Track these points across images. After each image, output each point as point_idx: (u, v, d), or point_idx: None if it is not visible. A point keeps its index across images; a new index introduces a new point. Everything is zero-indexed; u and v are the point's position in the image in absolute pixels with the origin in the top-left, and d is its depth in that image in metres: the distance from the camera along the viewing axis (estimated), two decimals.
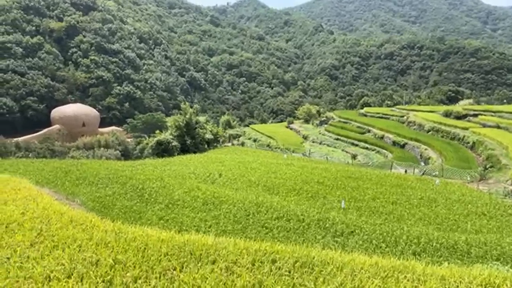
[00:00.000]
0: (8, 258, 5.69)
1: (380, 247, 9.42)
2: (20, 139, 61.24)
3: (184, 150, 31.79)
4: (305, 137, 64.22)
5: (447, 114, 56.39)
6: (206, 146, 34.76)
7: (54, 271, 5.29)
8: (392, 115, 66.04)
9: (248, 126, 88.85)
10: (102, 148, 62.92)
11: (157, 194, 12.91)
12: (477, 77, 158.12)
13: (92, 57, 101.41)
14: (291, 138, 63.31)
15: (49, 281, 5.09)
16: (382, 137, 53.83)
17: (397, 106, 77.88)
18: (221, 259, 6.07)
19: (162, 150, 30.76)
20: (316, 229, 10.36)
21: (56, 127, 70.68)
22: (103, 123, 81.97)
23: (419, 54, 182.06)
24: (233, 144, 42.09)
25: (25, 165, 15.91)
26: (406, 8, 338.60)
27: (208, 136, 35.41)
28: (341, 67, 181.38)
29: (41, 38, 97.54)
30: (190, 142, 32.64)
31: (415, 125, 56.57)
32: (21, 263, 5.52)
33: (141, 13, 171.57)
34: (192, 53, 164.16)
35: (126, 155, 62.43)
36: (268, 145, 51.90)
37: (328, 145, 55.38)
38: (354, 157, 45.45)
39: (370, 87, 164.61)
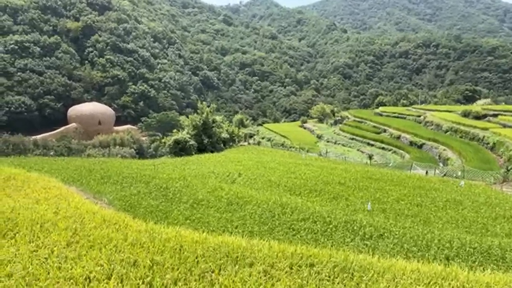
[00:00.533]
0: (46, 258, 5.70)
1: (412, 251, 9.20)
2: (38, 137, 62.38)
3: (201, 149, 31.88)
4: (319, 137, 63.82)
5: (465, 114, 55.29)
6: (222, 145, 34.83)
7: (94, 271, 5.27)
8: (409, 115, 65.10)
9: (261, 125, 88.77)
10: (117, 146, 63.73)
11: (181, 193, 12.90)
12: (494, 76, 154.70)
13: (108, 57, 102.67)
14: (305, 138, 63.00)
15: (90, 282, 5.07)
16: (398, 137, 53.10)
17: (414, 106, 76.77)
18: (258, 262, 5.98)
19: (180, 149, 30.90)
20: (344, 231, 10.18)
21: (73, 125, 71.80)
22: (118, 121, 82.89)
23: (435, 52, 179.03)
24: (249, 144, 42.05)
25: (49, 164, 16.10)
26: (421, 6, 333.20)
27: (224, 135, 35.47)
28: (354, 66, 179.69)
29: (58, 37, 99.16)
30: (207, 141, 32.72)
31: (432, 125, 55.62)
32: (60, 263, 5.50)
33: (155, 13, 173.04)
34: (205, 52, 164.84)
35: (140, 153, 63.12)
36: (282, 145, 51.73)
37: (343, 145, 54.92)
38: (370, 157, 44.94)
39: (385, 86, 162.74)
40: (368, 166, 27.75)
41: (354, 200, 14.77)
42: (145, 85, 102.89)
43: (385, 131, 57.86)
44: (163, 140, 36.63)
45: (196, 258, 5.94)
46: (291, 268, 5.79)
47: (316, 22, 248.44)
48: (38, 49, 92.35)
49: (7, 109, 73.42)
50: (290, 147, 46.62)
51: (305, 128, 74.84)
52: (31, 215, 7.33)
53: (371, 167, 26.33)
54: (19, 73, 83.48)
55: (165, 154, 59.32)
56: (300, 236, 9.57)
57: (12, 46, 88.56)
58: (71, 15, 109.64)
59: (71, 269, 5.28)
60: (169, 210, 11.23)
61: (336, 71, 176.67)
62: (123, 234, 6.78)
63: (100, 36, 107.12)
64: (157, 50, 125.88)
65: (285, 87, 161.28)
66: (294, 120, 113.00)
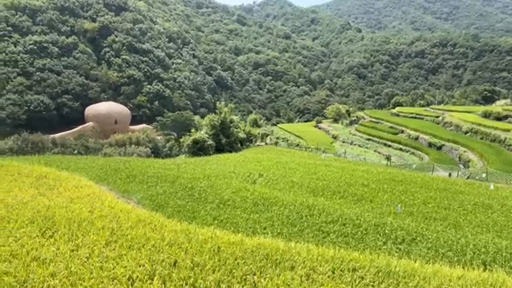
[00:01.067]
0: (87, 258, 5.70)
1: (448, 256, 8.95)
2: (56, 135, 63.54)
3: (219, 149, 31.92)
4: (335, 137, 63.26)
5: (486, 115, 54.03)
6: (239, 145, 34.81)
7: (136, 272, 5.25)
8: (426, 115, 63.98)
9: (275, 125, 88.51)
10: (133, 145, 64.44)
11: (206, 193, 12.88)
12: None
13: (124, 57, 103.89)
14: (320, 138, 62.51)
15: (133, 282, 5.04)
16: (416, 138, 52.21)
17: (432, 106, 75.46)
18: (299, 265, 5.87)
19: (198, 149, 31.00)
20: (375, 234, 9.98)
21: (90, 124, 72.87)
22: (134, 121, 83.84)
23: (452, 52, 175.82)
24: (266, 144, 41.93)
25: (75, 162, 16.29)
26: (437, 4, 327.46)
27: (242, 135, 35.46)
28: (369, 65, 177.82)
29: (76, 38, 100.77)
30: (225, 141, 32.75)
31: (451, 126, 54.51)
32: (101, 262, 5.49)
33: (169, 13, 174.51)
34: (219, 52, 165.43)
35: (156, 152, 63.69)
36: (297, 145, 51.41)
37: (359, 146, 54.29)
38: (387, 158, 44.28)
39: (400, 86, 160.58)
40: (389, 168, 27.32)
41: (379, 202, 14.51)
42: (160, 85, 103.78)
43: (402, 131, 56.96)
44: (181, 140, 36.78)
45: (236, 260, 5.88)
46: (333, 273, 5.67)
47: (330, 22, 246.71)
48: (56, 49, 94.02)
49: (26, 108, 74.95)
50: (306, 148, 46.29)
51: (320, 128, 74.27)
52: (67, 214, 7.38)
53: (393, 169, 25.90)
54: (38, 73, 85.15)
55: (180, 154, 59.81)
56: (331, 239, 9.40)
57: (31, 46, 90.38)
58: (88, 16, 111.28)
59: (113, 269, 5.27)
60: (196, 210, 11.21)
61: (351, 71, 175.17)
62: (160, 234, 6.77)
63: (116, 36, 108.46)
64: (172, 50, 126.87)
65: (298, 87, 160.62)
66: (308, 120, 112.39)
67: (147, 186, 13.02)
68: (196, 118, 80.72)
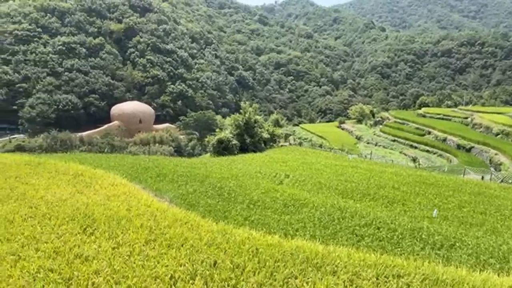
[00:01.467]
0: (129, 256, 5.73)
1: (490, 263, 8.55)
2: (84, 134, 65.42)
3: (243, 149, 31.97)
4: (358, 138, 62.26)
5: None
6: (263, 145, 34.77)
7: (177, 271, 5.24)
8: (454, 116, 62.06)
9: (297, 125, 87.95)
10: (157, 144, 65.57)
11: (235, 193, 12.85)
12: None
13: (148, 57, 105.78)
14: (344, 139, 61.65)
15: (175, 282, 5.03)
16: (444, 140, 50.68)
17: (460, 107, 73.11)
18: (341, 270, 5.71)
19: (223, 148, 31.17)
20: (412, 239, 9.66)
21: (115, 123, 74.60)
22: (158, 120, 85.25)
23: (480, 51, 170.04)
24: (290, 144, 41.72)
25: (106, 160, 16.62)
26: (465, 2, 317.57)
27: (265, 135, 35.42)
28: (393, 65, 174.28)
29: (103, 39, 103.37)
30: (249, 141, 32.79)
31: (481, 127, 52.64)
32: (142, 261, 5.51)
33: (192, 14, 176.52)
34: (241, 52, 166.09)
35: (178, 151, 64.60)
36: (320, 145, 50.88)
37: (384, 147, 53.19)
38: (414, 160, 43.20)
39: (425, 86, 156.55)
40: (418, 170, 26.59)
41: (412, 206, 14.07)
42: (183, 85, 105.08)
43: (429, 133, 55.41)
44: (206, 139, 37.08)
45: (276, 262, 5.80)
46: (377, 279, 5.49)
47: (353, 21, 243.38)
48: (84, 50, 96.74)
49: (55, 107, 77.46)
50: (330, 148, 45.72)
51: (343, 129, 73.21)
52: (105, 212, 7.48)
53: (423, 171, 25.18)
54: (66, 73, 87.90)
55: (202, 153, 60.35)
56: (366, 243, 9.15)
57: (60, 47, 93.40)
58: (115, 17, 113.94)
59: (154, 268, 5.28)
60: (227, 210, 11.19)
61: (374, 71, 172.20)
62: (198, 234, 6.76)
63: (141, 37, 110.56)
64: (194, 51, 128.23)
65: (320, 87, 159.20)
66: (330, 121, 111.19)
67: (177, 185, 13.10)
68: (218, 117, 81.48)
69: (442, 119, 62.93)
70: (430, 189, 16.88)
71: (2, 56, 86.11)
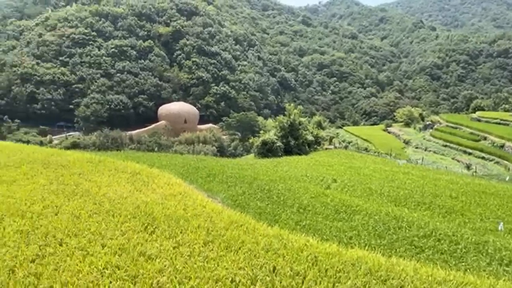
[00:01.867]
0: (189, 256, 5.76)
1: None
2: (133, 132, 68.43)
3: (287, 151, 31.77)
4: (406, 142, 59.61)
5: None
6: (307, 147, 34.34)
7: (238, 275, 5.17)
8: None
9: (340, 127, 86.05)
10: (201, 144, 67.00)
11: (284, 197, 12.73)
12: None
13: (194, 59, 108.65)
14: (390, 143, 59.22)
15: (236, 285, 4.97)
16: (502, 146, 47.19)
17: None
18: (408, 285, 5.40)
19: (267, 150, 31.18)
20: (477, 254, 9.00)
21: (162, 123, 77.38)
22: (201, 120, 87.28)
23: None
24: (335, 147, 40.82)
25: (158, 159, 17.17)
26: None
27: (310, 137, 34.94)
28: (444, 66, 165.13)
29: (151, 42, 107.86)
30: (294, 143, 32.53)
31: None
32: (202, 262, 5.50)
33: (236, 16, 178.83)
34: (283, 54, 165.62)
35: (221, 151, 65.54)
36: (365, 149, 49.35)
37: (434, 152, 50.48)
38: (468, 167, 40.60)
39: (480, 89, 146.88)
40: (476, 178, 24.93)
41: (472, 217, 13.17)
42: (227, 86, 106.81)
43: (485, 138, 51.83)
44: (250, 140, 37.26)
45: (337, 272, 5.59)
46: None
47: (401, 20, 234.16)
48: (134, 52, 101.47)
49: (107, 106, 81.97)
50: (377, 153, 44.16)
51: (389, 133, 70.44)
52: (164, 211, 7.63)
53: (481, 180, 23.57)
54: (118, 74, 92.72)
55: (244, 153, 60.80)
56: (426, 256, 8.65)
57: (112, 50, 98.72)
58: (163, 21, 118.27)
59: (214, 270, 5.25)
60: (277, 214, 11.09)
61: (423, 72, 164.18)
62: (254, 238, 6.70)
63: (187, 40, 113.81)
64: (238, 53, 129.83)
65: (365, 89, 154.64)
66: (375, 123, 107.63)
67: (227, 186, 13.21)
68: (260, 119, 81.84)
69: (499, 123, 58.67)
70: (491, 200, 15.74)
71: (61, 58, 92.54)
